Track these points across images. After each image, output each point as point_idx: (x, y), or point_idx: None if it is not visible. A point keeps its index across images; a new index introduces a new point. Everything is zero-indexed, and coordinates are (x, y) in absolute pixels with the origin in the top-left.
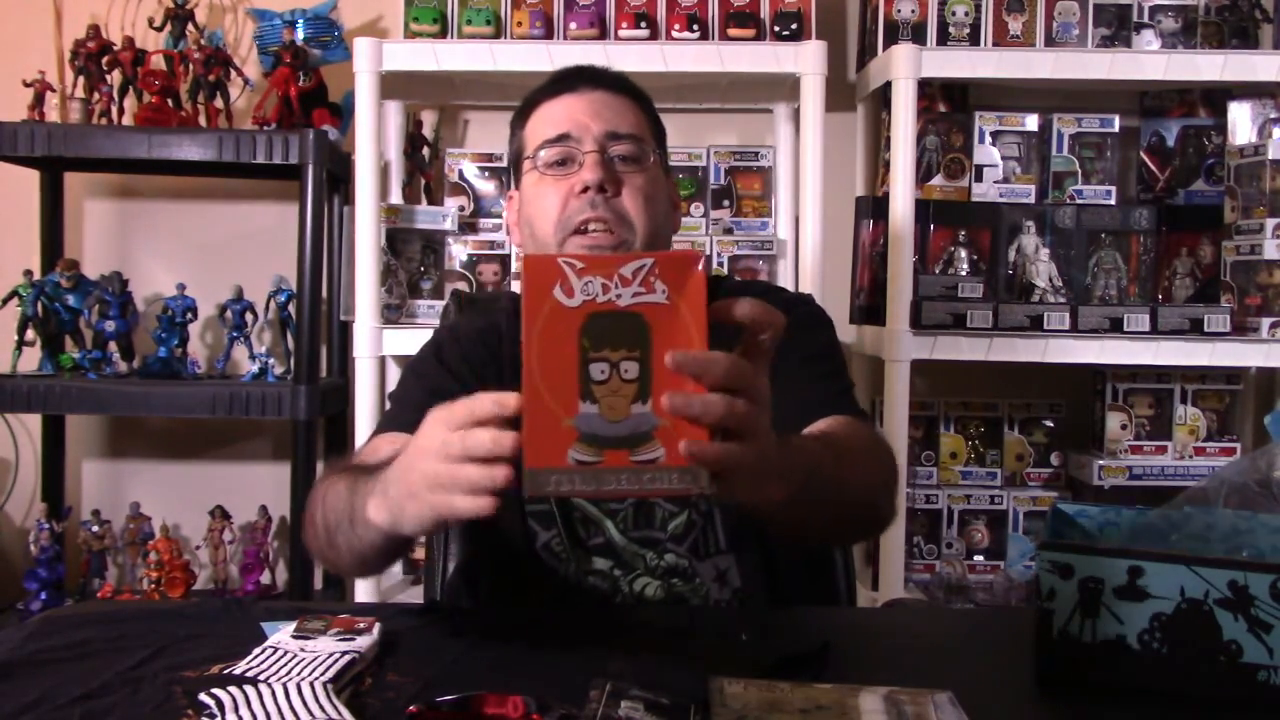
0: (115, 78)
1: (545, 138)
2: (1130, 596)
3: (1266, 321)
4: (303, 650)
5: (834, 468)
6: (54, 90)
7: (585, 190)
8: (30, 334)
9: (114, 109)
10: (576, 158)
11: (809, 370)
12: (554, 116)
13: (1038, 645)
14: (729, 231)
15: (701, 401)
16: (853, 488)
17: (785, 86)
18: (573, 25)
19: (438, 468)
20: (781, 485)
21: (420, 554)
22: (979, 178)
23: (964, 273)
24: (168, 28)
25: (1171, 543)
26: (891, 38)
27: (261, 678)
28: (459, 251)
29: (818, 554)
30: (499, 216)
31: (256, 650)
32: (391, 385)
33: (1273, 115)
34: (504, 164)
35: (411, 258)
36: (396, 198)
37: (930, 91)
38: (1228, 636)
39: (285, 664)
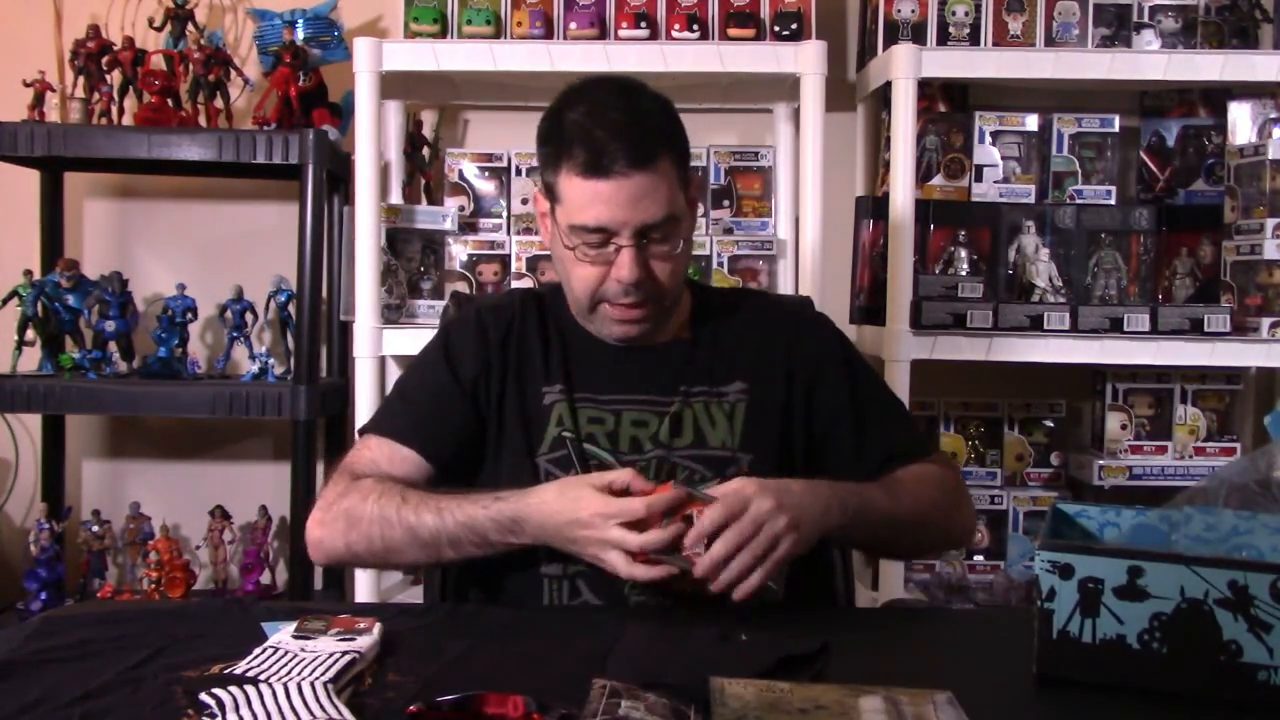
0: (115, 78)
1: (582, 223)
2: (1130, 596)
3: (1266, 321)
4: (303, 650)
5: (888, 503)
6: (54, 90)
7: (620, 283)
8: (30, 334)
9: (114, 109)
10: (612, 243)
11: (859, 414)
12: (590, 204)
13: (1038, 645)
14: (729, 231)
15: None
16: (906, 518)
17: (785, 86)
18: (573, 25)
19: (607, 554)
20: (837, 517)
21: None
22: (979, 178)
23: (964, 273)
24: (168, 28)
25: (1172, 543)
26: (891, 38)
27: (262, 678)
28: (459, 251)
29: (817, 555)
30: (499, 216)
31: (257, 650)
32: (391, 385)
33: (1273, 115)
34: (504, 164)
35: (411, 258)
36: (396, 198)
37: (930, 91)
38: (1228, 636)
39: (285, 664)
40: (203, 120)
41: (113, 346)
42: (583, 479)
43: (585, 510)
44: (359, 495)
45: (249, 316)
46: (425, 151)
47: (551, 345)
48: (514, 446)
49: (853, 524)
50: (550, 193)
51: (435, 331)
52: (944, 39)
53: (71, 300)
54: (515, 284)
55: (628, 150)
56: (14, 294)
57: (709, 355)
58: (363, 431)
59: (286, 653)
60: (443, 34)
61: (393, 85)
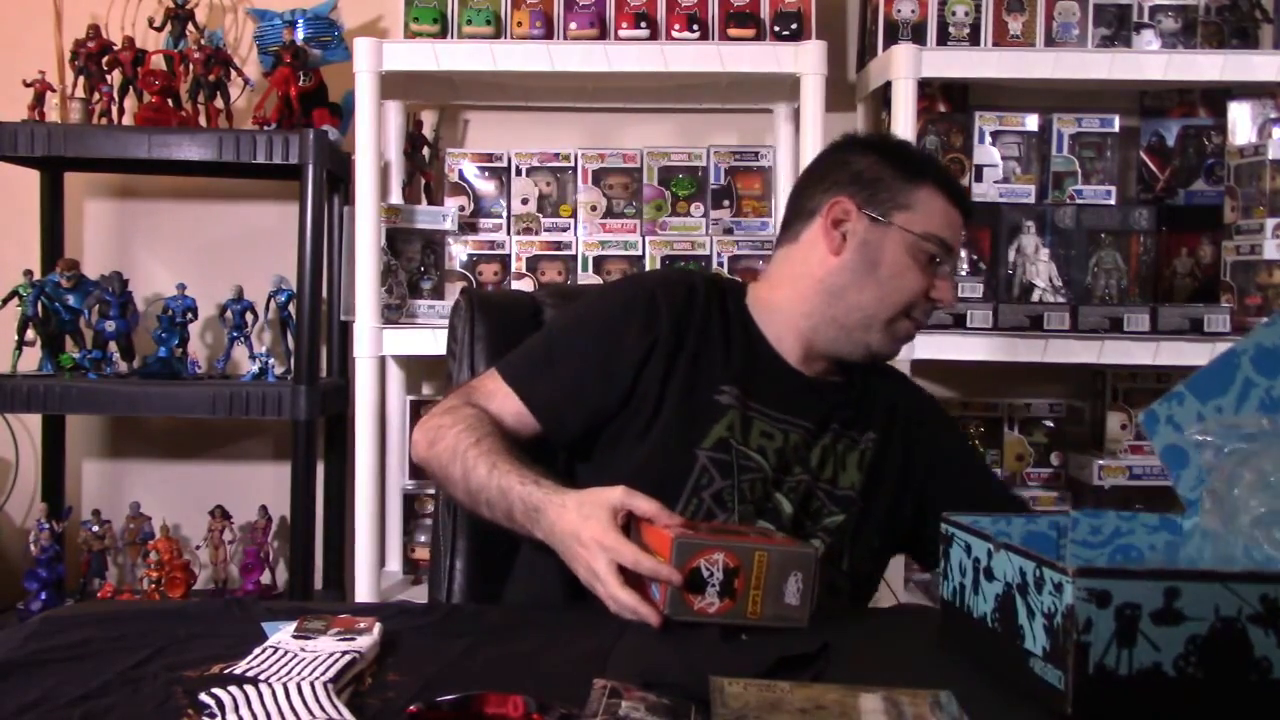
0: (115, 78)
1: (944, 237)
2: (1167, 620)
3: None
4: (303, 650)
5: None
6: (54, 90)
7: (936, 302)
8: (30, 334)
9: (114, 109)
10: (944, 264)
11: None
12: (954, 224)
13: (1073, 685)
14: (729, 231)
15: None
16: None
17: (785, 86)
18: (573, 25)
19: (594, 583)
20: None
21: (420, 554)
22: (979, 178)
23: (964, 273)
24: (168, 28)
25: (1060, 547)
26: (891, 38)
27: (262, 678)
28: (459, 251)
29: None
30: (499, 216)
31: (257, 650)
32: (392, 385)
33: (1273, 115)
34: (504, 164)
35: (411, 258)
36: (396, 198)
37: (930, 91)
38: (1259, 654)
39: (285, 664)
40: (203, 120)
41: (113, 346)
42: (606, 499)
43: (587, 532)
44: (452, 419)
45: (249, 316)
46: (425, 151)
47: (733, 342)
48: (672, 432)
49: None
50: (887, 201)
51: (604, 290)
52: (944, 39)
53: (71, 300)
54: (515, 284)
55: (969, 211)
56: (14, 294)
57: (856, 401)
58: (498, 368)
59: (286, 653)
60: (443, 34)
61: (393, 85)
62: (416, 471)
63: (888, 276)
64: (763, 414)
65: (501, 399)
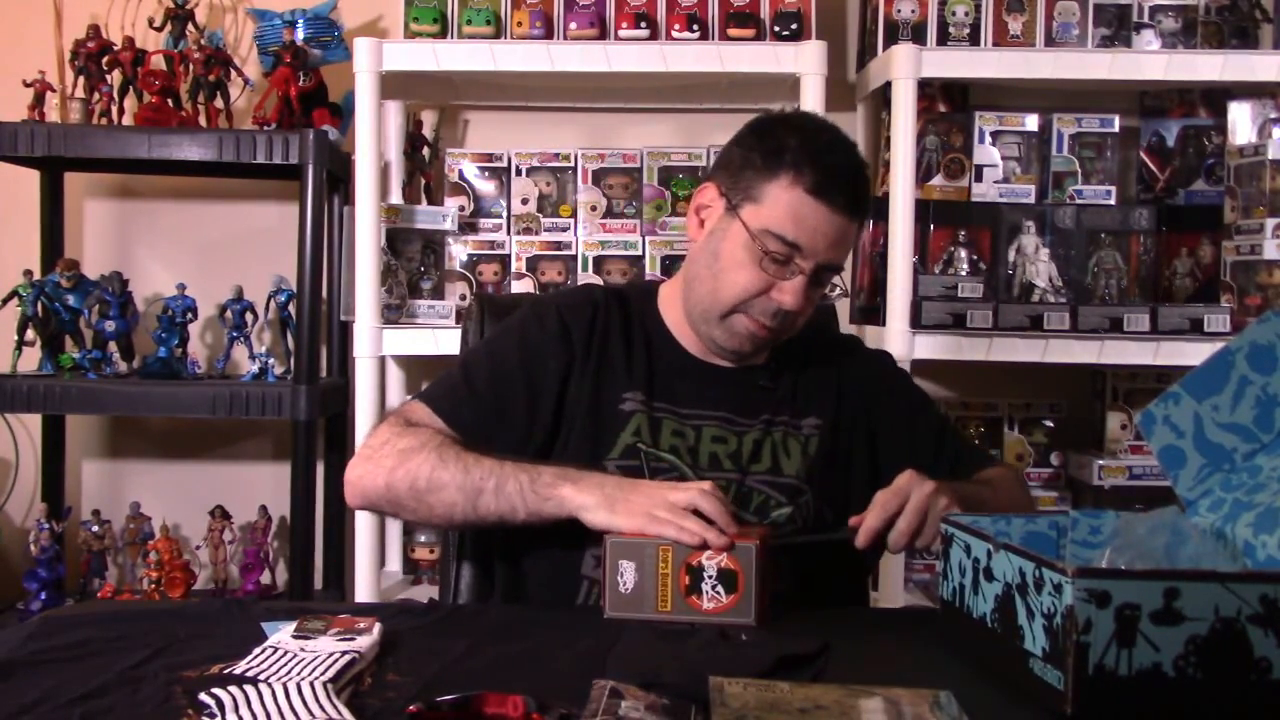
0: (115, 78)
1: (782, 233)
2: (1167, 620)
3: None
4: (303, 650)
5: (993, 501)
6: (54, 90)
7: (778, 304)
8: (30, 334)
9: (114, 109)
10: (791, 264)
11: (938, 441)
12: (802, 219)
13: (1072, 685)
14: None
15: None
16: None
17: (785, 86)
18: (573, 25)
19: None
20: (959, 508)
21: (420, 554)
22: (979, 178)
23: (964, 273)
24: (168, 28)
25: (1060, 547)
26: (891, 38)
27: (261, 678)
28: (459, 251)
29: (851, 560)
30: (499, 216)
31: (256, 650)
32: (392, 385)
33: (1273, 115)
34: (504, 164)
35: (411, 258)
36: (396, 198)
37: (930, 91)
38: (1258, 654)
39: (285, 664)
40: (203, 120)
41: (113, 346)
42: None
43: (683, 488)
44: (421, 436)
45: (249, 316)
46: (425, 151)
47: (635, 348)
48: (581, 445)
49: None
50: (742, 191)
51: (511, 321)
52: (944, 39)
53: (71, 300)
54: (515, 284)
55: (853, 194)
56: (14, 294)
57: (790, 386)
58: (421, 399)
59: (286, 653)
60: (443, 34)
61: (393, 85)
62: None
63: (721, 269)
64: (670, 413)
65: (424, 420)
